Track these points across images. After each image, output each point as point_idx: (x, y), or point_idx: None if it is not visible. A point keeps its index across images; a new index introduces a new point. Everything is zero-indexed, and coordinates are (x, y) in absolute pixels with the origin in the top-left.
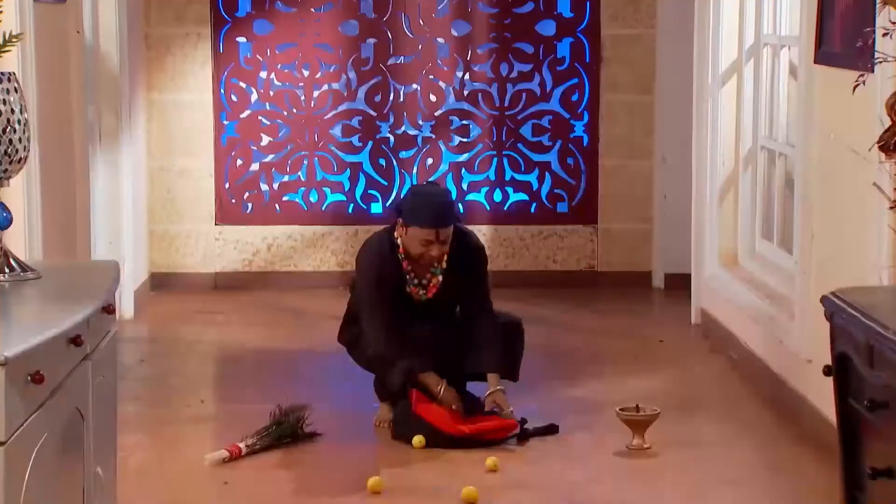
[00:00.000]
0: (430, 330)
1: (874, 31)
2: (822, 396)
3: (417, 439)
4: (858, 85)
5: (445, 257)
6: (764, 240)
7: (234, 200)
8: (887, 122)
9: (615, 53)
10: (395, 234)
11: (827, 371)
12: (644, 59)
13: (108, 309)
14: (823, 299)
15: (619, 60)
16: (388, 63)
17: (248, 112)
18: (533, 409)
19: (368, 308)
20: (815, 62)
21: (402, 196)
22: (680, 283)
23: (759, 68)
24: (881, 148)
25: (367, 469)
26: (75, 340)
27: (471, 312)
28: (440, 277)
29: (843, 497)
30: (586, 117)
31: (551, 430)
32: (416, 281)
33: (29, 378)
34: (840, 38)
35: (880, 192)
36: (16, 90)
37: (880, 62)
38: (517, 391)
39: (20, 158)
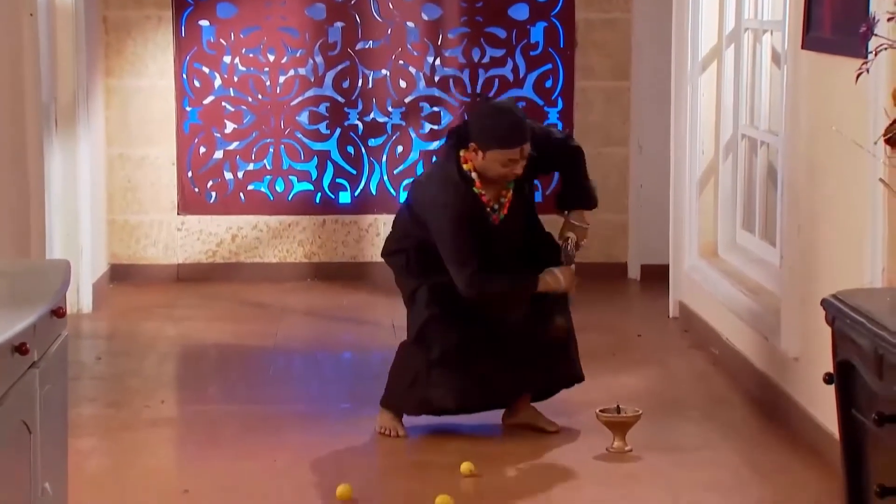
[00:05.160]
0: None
1: (875, 16)
2: (810, 397)
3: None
4: (862, 73)
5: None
6: (745, 231)
7: (197, 189)
8: (893, 114)
9: (590, 38)
10: (464, 163)
11: (828, 379)
12: (620, 45)
13: (58, 312)
14: (824, 302)
15: (594, 45)
16: (357, 48)
17: (211, 98)
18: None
19: (456, 253)
20: (803, 48)
21: (465, 120)
22: (657, 275)
23: (740, 54)
24: (887, 141)
25: (335, 475)
26: (20, 349)
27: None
28: (510, 190)
29: None
30: (560, 104)
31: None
32: (493, 206)
33: None
34: (830, 22)
35: (884, 187)
36: None
37: (886, 48)
38: None
39: None
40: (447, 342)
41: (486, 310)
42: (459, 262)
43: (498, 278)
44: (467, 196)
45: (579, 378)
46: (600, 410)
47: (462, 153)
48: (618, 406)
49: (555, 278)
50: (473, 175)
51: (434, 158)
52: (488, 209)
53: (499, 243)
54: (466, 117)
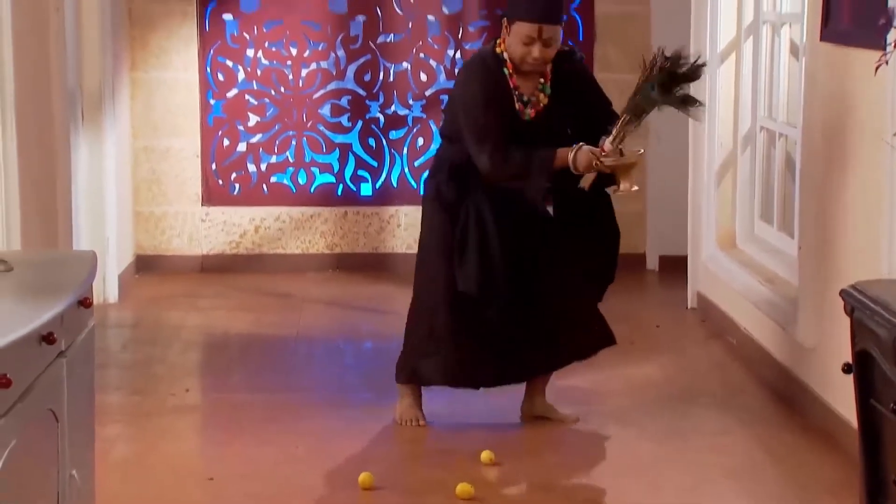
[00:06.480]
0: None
1: (893, 9)
2: (827, 386)
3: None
4: (881, 65)
5: (549, 76)
6: (763, 222)
7: (220, 181)
8: None
9: (609, 31)
10: (499, 46)
11: (847, 369)
12: (638, 38)
13: (85, 302)
14: (843, 292)
15: (612, 39)
16: (378, 41)
17: (234, 91)
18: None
19: (478, 128)
20: (822, 40)
21: None
22: (675, 266)
23: (759, 47)
24: None
25: (357, 463)
26: (48, 338)
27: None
28: (546, 97)
29: None
30: None
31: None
32: (524, 98)
33: None
34: (849, 15)
35: None
36: None
37: None
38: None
39: None
40: (437, 321)
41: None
42: (480, 138)
43: (516, 153)
44: (496, 74)
45: (611, 340)
46: (603, 156)
47: (499, 39)
48: (620, 150)
49: (574, 158)
50: (506, 56)
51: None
52: (516, 95)
53: (533, 144)
54: None
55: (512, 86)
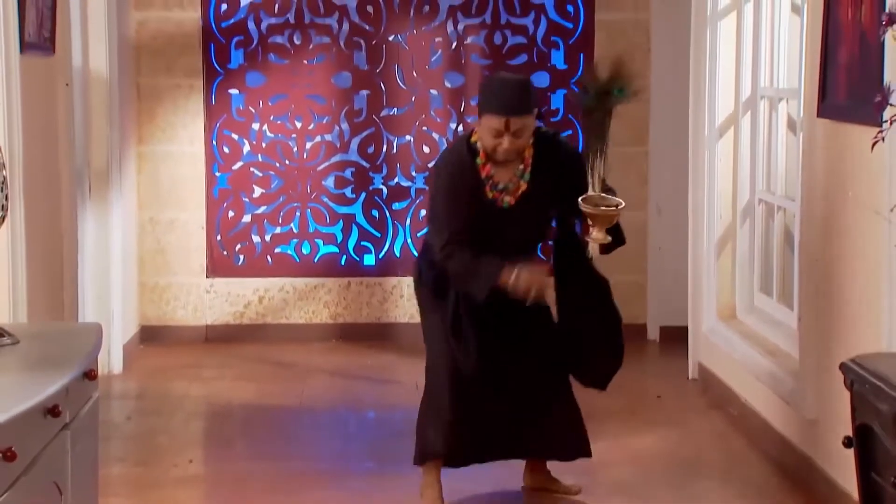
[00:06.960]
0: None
1: (889, 86)
2: (829, 458)
3: None
4: (877, 141)
5: (529, 161)
6: (762, 294)
7: (225, 252)
8: None
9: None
10: (474, 135)
11: (847, 442)
12: (637, 111)
13: (90, 374)
14: (843, 366)
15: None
16: (381, 114)
17: (240, 164)
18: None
19: (437, 220)
20: (819, 116)
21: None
22: (676, 336)
23: (756, 121)
24: None
25: None
26: (52, 411)
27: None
28: (526, 183)
29: None
30: None
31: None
32: (499, 186)
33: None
34: (845, 91)
35: None
36: None
37: None
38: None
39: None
40: (442, 402)
41: (493, 360)
42: (437, 229)
43: (468, 255)
44: (468, 164)
45: (586, 452)
46: (582, 199)
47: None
48: (601, 195)
49: (517, 277)
50: (479, 146)
51: None
52: (489, 186)
53: (512, 233)
54: None
55: (485, 175)
